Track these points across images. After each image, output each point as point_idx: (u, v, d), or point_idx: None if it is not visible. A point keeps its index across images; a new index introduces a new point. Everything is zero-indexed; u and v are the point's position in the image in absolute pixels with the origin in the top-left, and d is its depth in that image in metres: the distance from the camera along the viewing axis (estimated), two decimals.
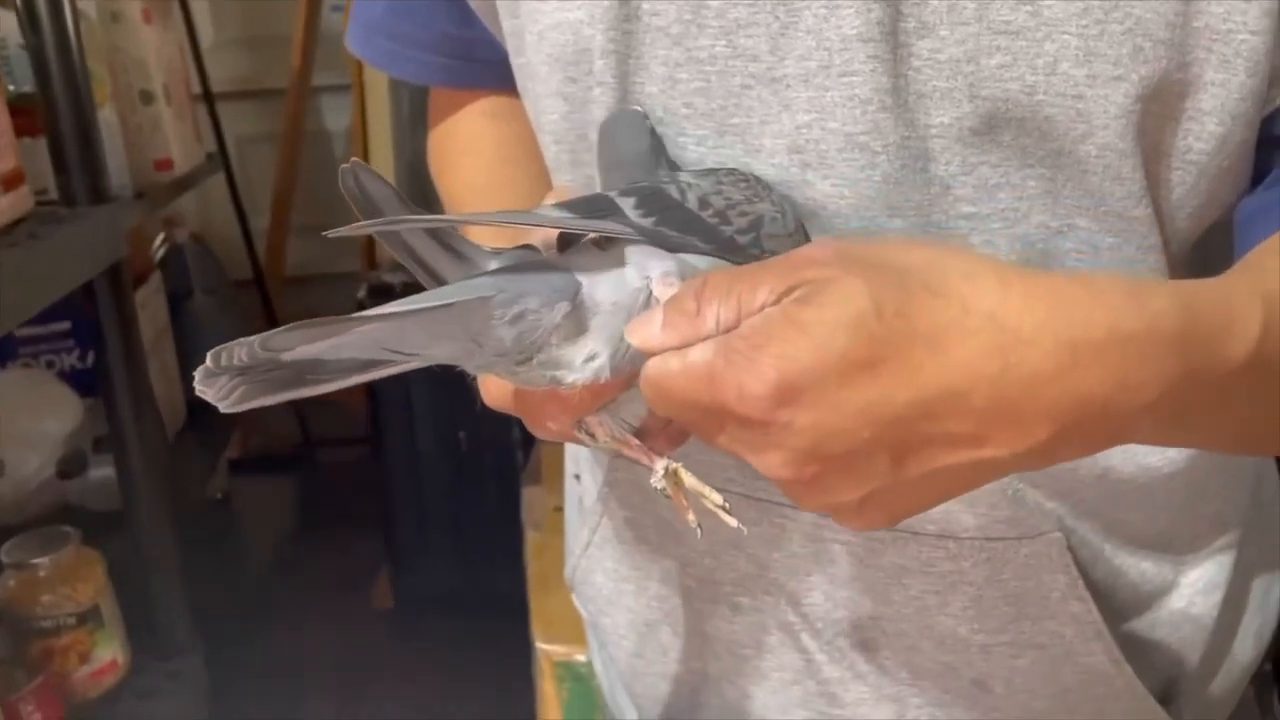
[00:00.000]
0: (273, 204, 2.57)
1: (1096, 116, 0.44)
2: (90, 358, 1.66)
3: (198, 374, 0.34)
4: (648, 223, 0.41)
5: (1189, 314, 0.36)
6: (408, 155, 2.54)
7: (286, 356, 0.35)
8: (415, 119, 2.55)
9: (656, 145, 0.49)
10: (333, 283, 2.67)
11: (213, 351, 0.34)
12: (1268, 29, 0.43)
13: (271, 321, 2.54)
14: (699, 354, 0.36)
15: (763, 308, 0.36)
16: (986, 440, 0.35)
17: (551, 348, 0.39)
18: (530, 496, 1.54)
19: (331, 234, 0.38)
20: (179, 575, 1.28)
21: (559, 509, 1.48)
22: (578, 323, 0.39)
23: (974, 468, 0.36)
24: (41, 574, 1.13)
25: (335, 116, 2.83)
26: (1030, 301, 0.35)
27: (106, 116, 1.51)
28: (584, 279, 0.40)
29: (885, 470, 0.35)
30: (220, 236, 2.54)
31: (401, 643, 1.96)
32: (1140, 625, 0.55)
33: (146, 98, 1.78)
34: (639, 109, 0.50)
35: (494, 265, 0.41)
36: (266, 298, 2.55)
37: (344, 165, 0.38)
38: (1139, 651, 0.55)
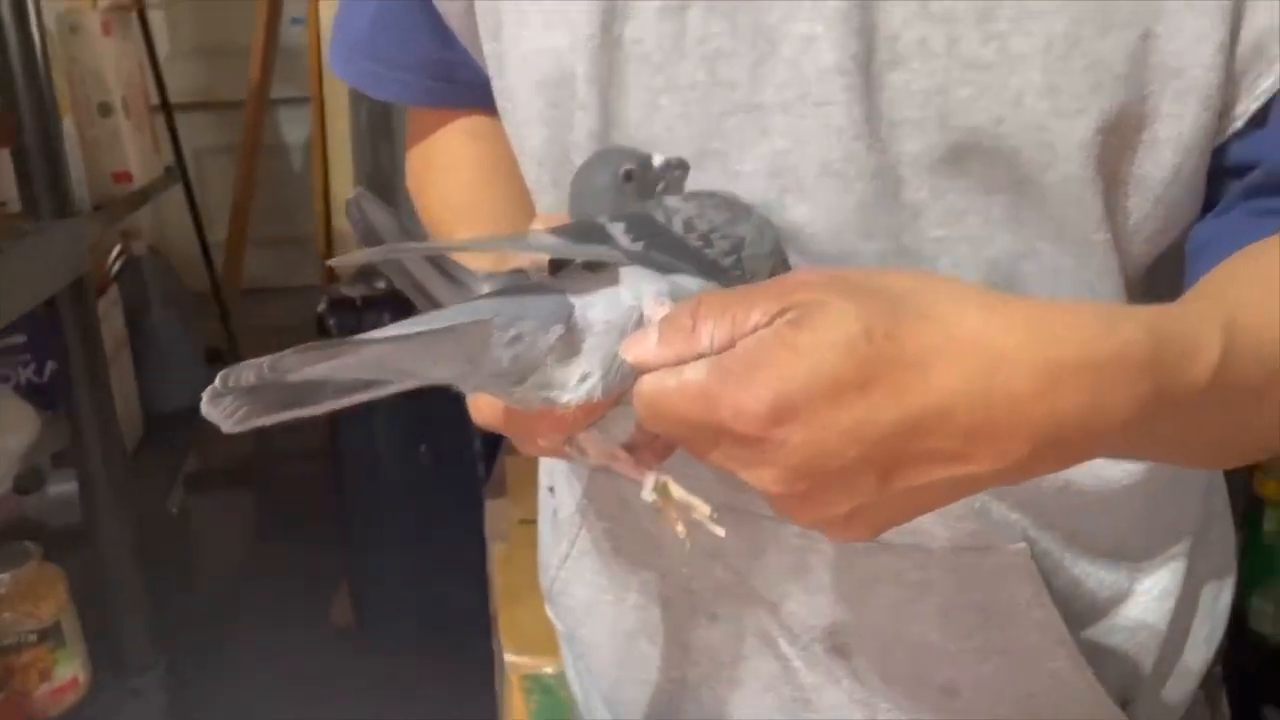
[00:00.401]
0: (231, 216, 2.55)
1: (1059, 147, 0.46)
2: (46, 371, 1.64)
3: (205, 395, 0.35)
4: (637, 247, 0.43)
5: (1156, 340, 0.38)
6: (367, 167, 2.54)
7: (292, 377, 0.36)
8: (374, 132, 2.55)
9: (627, 185, 0.51)
10: (291, 295, 2.66)
11: (221, 374, 0.35)
12: (1219, 65, 0.45)
13: (229, 334, 2.52)
14: (694, 373, 0.37)
15: (756, 328, 0.37)
16: (970, 457, 0.37)
17: (546, 368, 0.41)
18: (494, 509, 1.54)
19: (334, 263, 0.40)
20: (141, 592, 1.27)
21: (525, 521, 1.49)
22: (571, 343, 0.41)
23: (956, 483, 0.38)
24: (2, 590, 1.12)
25: (294, 129, 2.83)
26: (1011, 324, 0.37)
27: (65, 129, 1.50)
28: (577, 301, 0.41)
29: (873, 486, 0.37)
30: (178, 248, 2.52)
31: (362, 658, 1.94)
32: (1099, 632, 0.58)
33: (105, 110, 1.77)
34: (618, 149, 0.51)
35: (487, 289, 0.43)
36: (224, 310, 2.53)
37: (349, 195, 0.40)
38: (1098, 657, 0.57)
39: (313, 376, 0.37)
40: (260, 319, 2.67)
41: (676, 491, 0.43)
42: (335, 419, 1.98)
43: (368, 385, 0.39)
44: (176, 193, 2.27)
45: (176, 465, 2.01)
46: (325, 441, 2.11)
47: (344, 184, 2.48)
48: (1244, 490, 1.37)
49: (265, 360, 0.35)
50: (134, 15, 2.12)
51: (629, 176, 0.49)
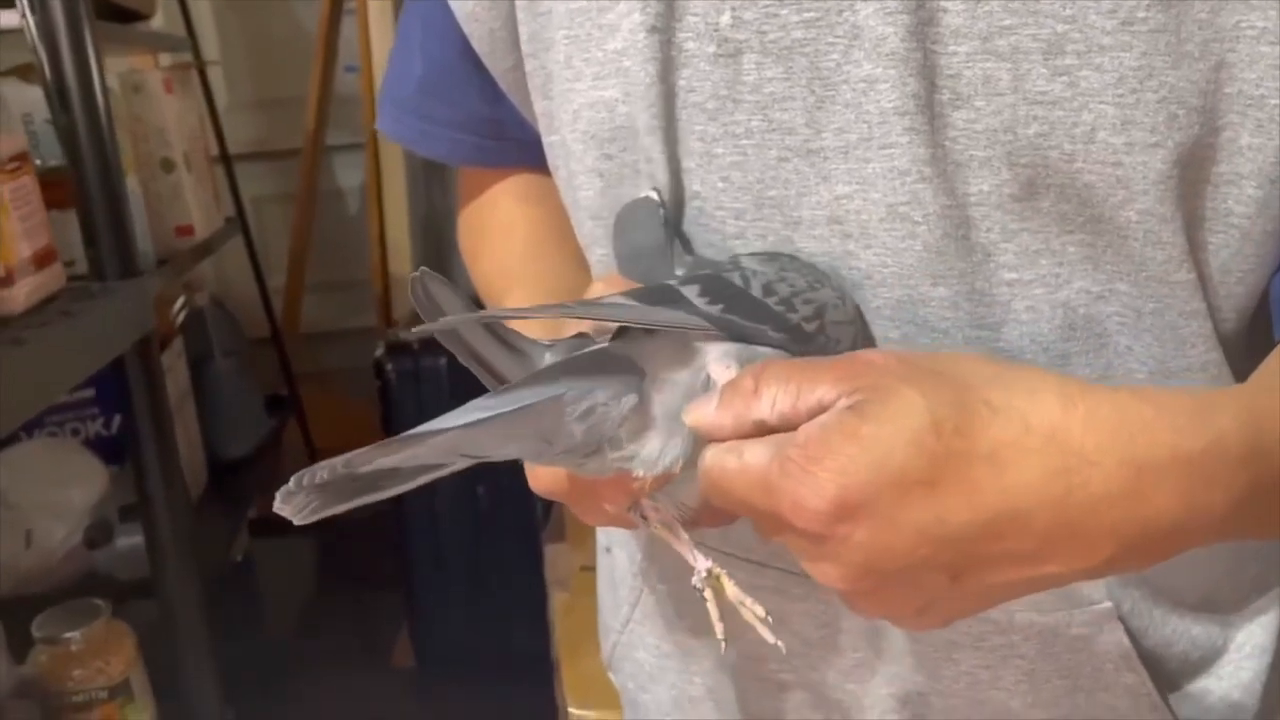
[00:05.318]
0: (289, 263, 2.59)
1: (1135, 182, 0.44)
2: (114, 424, 1.67)
3: (279, 494, 0.36)
4: (715, 310, 0.41)
5: (1254, 429, 0.36)
6: (421, 210, 2.57)
7: (364, 469, 0.36)
8: (428, 175, 2.58)
9: (670, 235, 0.50)
10: (349, 339, 2.68)
11: (296, 475, 0.36)
12: None
13: (289, 379, 2.55)
14: (755, 457, 0.36)
15: (820, 403, 0.36)
16: (1048, 558, 0.35)
17: (620, 440, 0.40)
18: (553, 555, 1.53)
19: (416, 332, 0.41)
20: (207, 642, 1.28)
21: (586, 568, 1.48)
22: (644, 413, 0.40)
23: (1032, 581, 0.36)
24: (73, 648, 1.13)
25: (349, 174, 2.86)
26: (1093, 421, 0.35)
27: (130, 186, 1.53)
28: (647, 368, 0.40)
29: (943, 585, 0.36)
30: (238, 296, 2.56)
31: (423, 701, 1.95)
32: (1193, 691, 0.55)
33: (168, 165, 1.80)
34: (653, 196, 0.50)
35: (549, 357, 0.42)
36: (284, 355, 2.56)
37: (413, 274, 0.40)
38: None
39: (384, 467, 0.37)
40: (319, 363, 2.70)
41: (730, 588, 0.42)
42: None
43: (437, 465, 0.39)
44: (237, 242, 2.31)
45: (240, 512, 2.03)
46: None
47: (399, 227, 2.50)
48: None
49: (339, 459, 0.35)
50: (194, 72, 2.17)
51: (667, 223, 0.48)
